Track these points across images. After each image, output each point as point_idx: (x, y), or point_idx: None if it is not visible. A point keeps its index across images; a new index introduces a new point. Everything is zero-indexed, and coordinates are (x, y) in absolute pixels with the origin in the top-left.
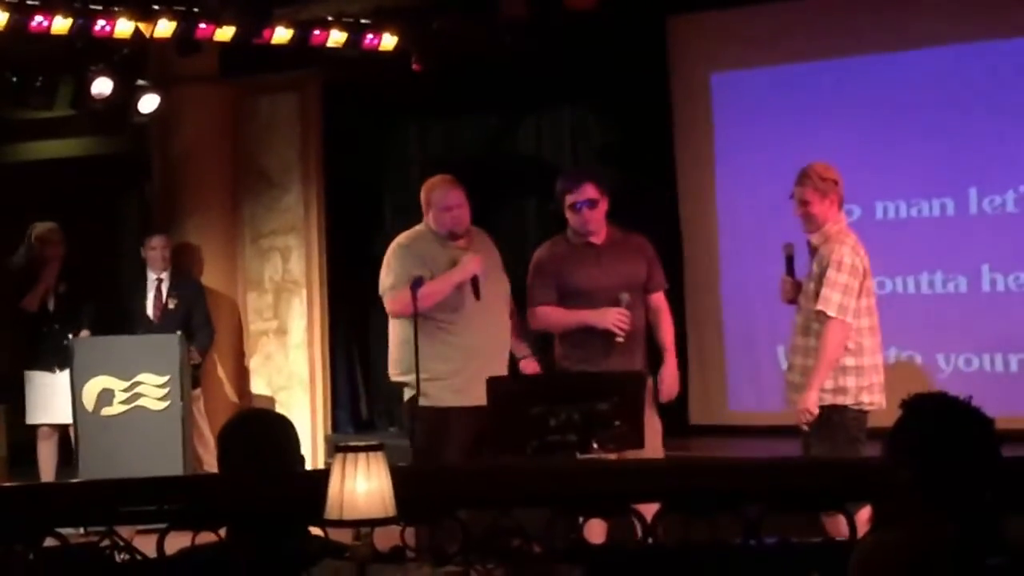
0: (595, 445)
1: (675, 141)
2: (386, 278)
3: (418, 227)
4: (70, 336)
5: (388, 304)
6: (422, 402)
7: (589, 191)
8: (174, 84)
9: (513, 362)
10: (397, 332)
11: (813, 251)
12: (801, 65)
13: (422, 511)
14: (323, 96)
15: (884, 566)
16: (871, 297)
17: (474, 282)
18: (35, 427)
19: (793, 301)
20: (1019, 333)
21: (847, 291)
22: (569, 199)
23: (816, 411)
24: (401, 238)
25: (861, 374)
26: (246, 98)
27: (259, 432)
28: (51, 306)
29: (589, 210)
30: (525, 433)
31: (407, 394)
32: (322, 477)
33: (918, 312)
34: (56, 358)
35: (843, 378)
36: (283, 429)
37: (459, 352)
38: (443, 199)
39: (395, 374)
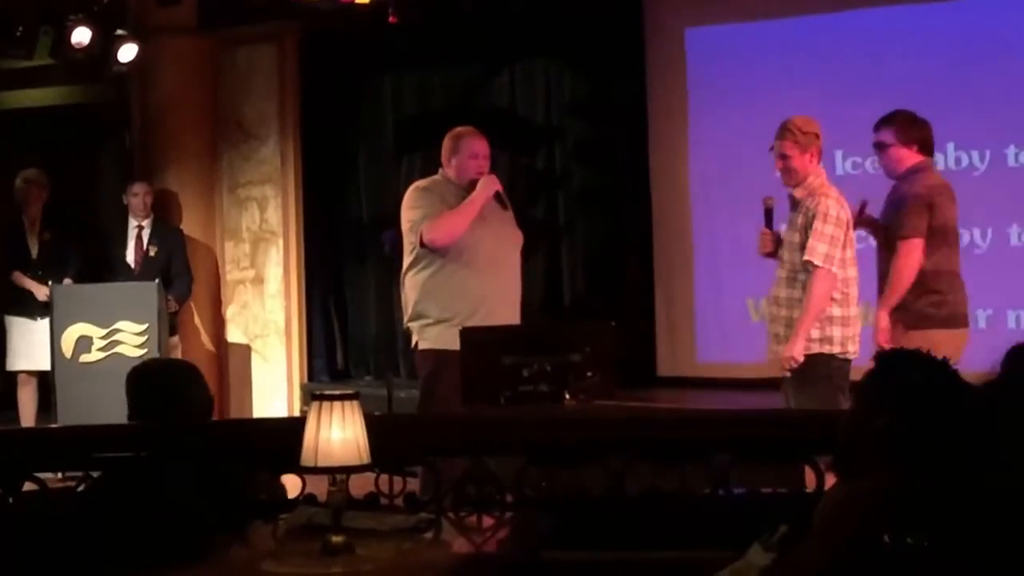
0: (567, 396)
1: (648, 94)
2: (414, 213)
3: (434, 176)
4: (49, 283)
5: (429, 234)
6: (423, 345)
7: (881, 135)
8: (153, 35)
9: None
10: (408, 281)
11: (795, 204)
12: (775, 21)
13: (397, 459)
14: (300, 48)
15: (852, 517)
16: (853, 248)
17: (497, 197)
18: (15, 373)
19: (770, 254)
20: (991, 290)
21: (833, 241)
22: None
23: (801, 359)
24: (420, 183)
25: (847, 324)
26: (224, 49)
27: (154, 383)
28: (34, 253)
29: (878, 151)
30: (498, 383)
31: (413, 339)
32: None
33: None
34: (38, 305)
35: (829, 327)
36: (181, 379)
37: (466, 298)
38: (471, 146)
39: (406, 320)
